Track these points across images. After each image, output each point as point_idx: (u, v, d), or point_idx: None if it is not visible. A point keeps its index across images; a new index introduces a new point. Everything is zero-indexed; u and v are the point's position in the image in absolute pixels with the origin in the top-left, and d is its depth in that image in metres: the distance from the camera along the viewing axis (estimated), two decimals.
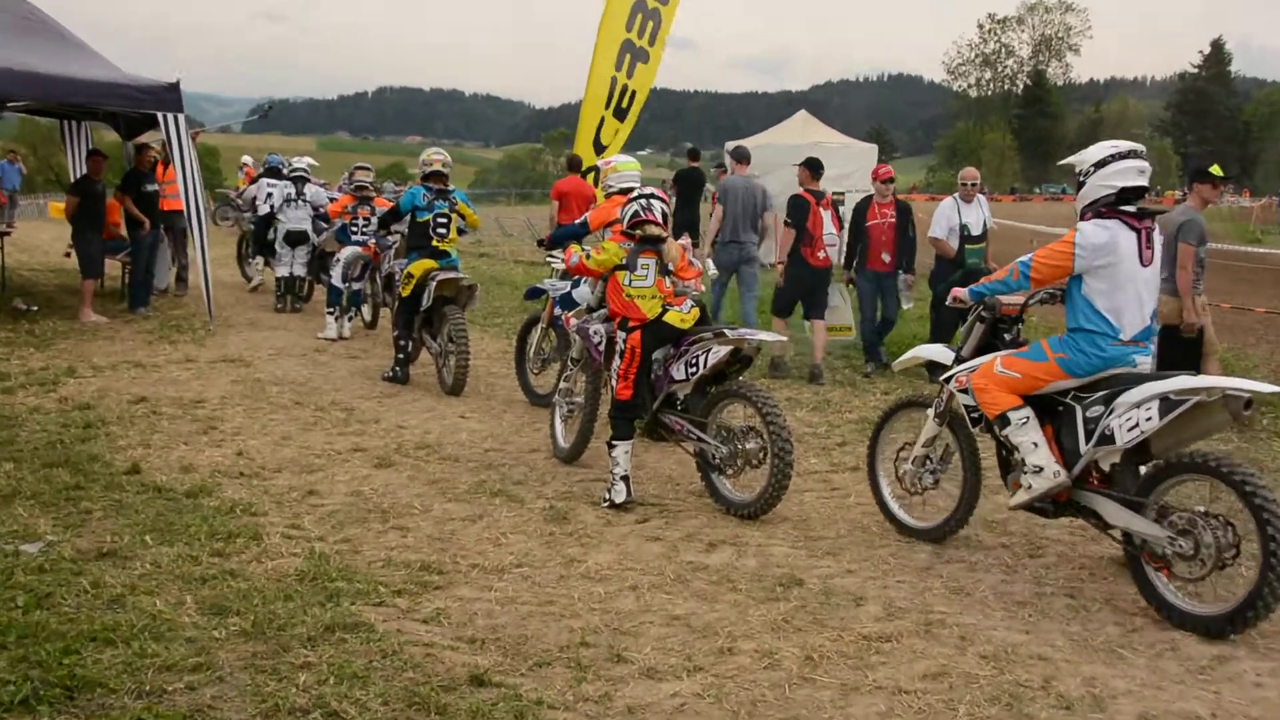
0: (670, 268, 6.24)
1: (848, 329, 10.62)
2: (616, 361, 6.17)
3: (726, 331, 6.04)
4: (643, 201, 6.27)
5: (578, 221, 8.46)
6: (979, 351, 5.35)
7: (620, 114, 14.35)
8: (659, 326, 6.14)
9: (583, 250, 6.45)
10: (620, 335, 6.18)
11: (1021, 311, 5.31)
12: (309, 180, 13.38)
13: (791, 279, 9.92)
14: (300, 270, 13.23)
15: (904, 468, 5.62)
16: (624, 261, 6.18)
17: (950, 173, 70.65)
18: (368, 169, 12.65)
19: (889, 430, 5.82)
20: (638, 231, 6.21)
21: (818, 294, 9.98)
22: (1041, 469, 4.85)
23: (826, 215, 9.80)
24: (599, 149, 13.76)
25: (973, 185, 9.86)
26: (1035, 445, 4.88)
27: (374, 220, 11.62)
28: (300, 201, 13.03)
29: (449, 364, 8.93)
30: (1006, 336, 5.33)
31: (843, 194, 20.26)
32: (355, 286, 11.62)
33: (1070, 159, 5.03)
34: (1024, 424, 4.91)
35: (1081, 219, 4.89)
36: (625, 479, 5.99)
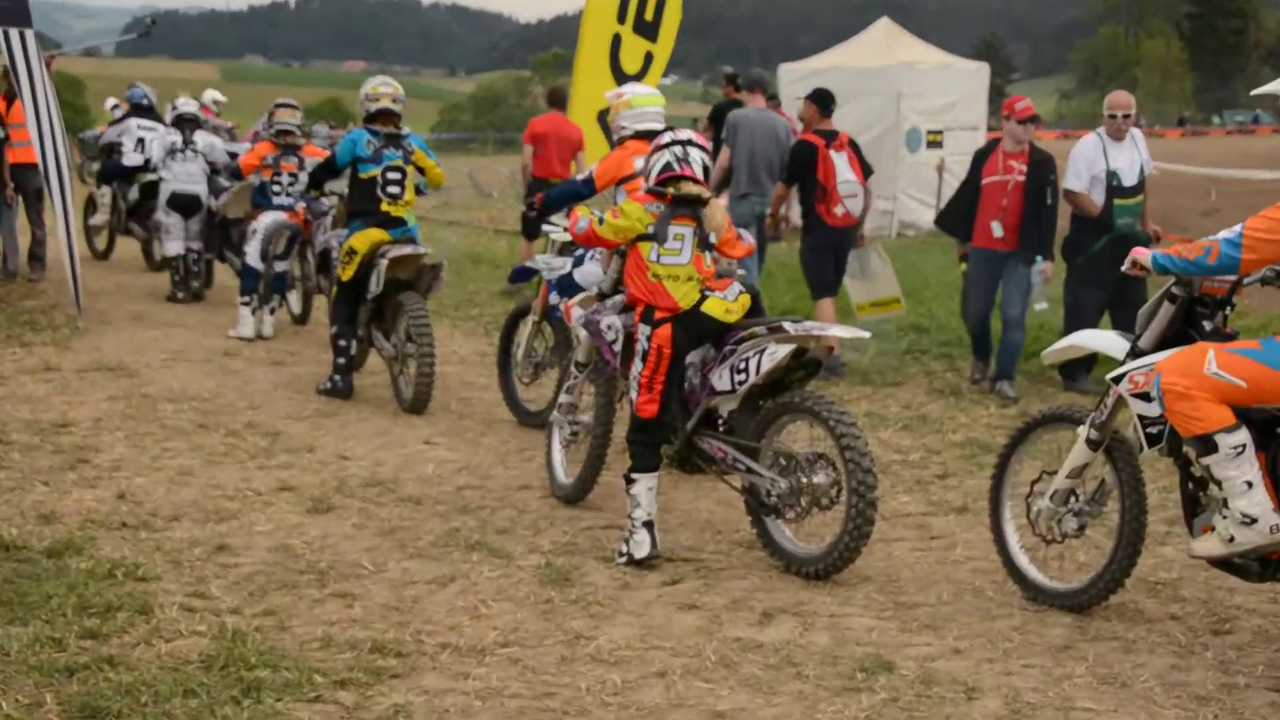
0: (713, 239, 6.25)
1: (895, 301, 10.78)
2: (637, 366, 6.19)
3: (786, 325, 6.04)
4: (677, 149, 6.26)
5: (580, 178, 8.44)
6: (1165, 344, 5.19)
7: (646, 29, 14.23)
8: (696, 319, 6.14)
9: (593, 214, 6.45)
10: (643, 330, 6.19)
11: (1232, 292, 5.15)
12: (199, 124, 13.34)
13: (814, 248, 10.25)
14: (196, 245, 13.22)
15: (1039, 505, 5.56)
16: (650, 230, 6.18)
17: (1092, 99, 70.34)
18: (293, 107, 12.66)
19: (1021, 455, 5.79)
20: (669, 190, 6.21)
21: (840, 260, 10.38)
22: (1255, 520, 4.70)
23: (841, 159, 10.08)
24: (622, 79, 13.55)
25: (1125, 117, 9.80)
26: (1249, 486, 4.72)
27: (302, 177, 11.65)
28: (190, 153, 12.93)
29: (407, 371, 8.97)
30: (1207, 325, 5.15)
31: (940, 134, 20.21)
32: (279, 267, 11.64)
33: (1270, 87, 4.96)
34: (1238, 454, 4.73)
35: None
36: (649, 525, 6.01)
